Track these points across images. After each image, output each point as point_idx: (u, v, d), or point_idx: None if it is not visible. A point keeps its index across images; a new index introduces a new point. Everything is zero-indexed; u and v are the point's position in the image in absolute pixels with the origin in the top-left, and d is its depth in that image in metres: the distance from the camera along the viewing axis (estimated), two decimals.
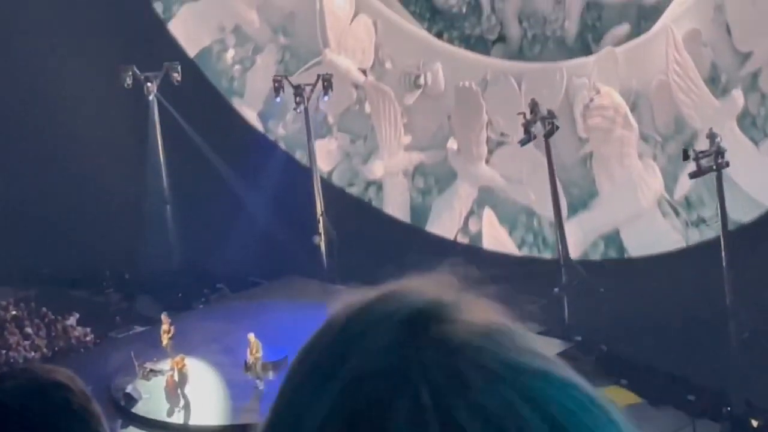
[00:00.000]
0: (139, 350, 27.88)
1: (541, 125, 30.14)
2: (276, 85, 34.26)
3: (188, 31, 40.58)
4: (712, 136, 28.13)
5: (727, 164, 27.73)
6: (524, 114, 30.62)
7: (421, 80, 38.96)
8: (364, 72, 39.51)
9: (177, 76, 34.13)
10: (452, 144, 39.63)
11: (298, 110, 33.81)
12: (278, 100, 35.28)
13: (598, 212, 36.92)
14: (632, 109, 37.86)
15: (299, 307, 28.58)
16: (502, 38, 40.63)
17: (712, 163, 27.42)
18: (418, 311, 1.70)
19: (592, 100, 36.90)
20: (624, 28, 40.76)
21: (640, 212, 35.89)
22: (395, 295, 1.74)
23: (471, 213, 38.66)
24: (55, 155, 35.45)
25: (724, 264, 28.48)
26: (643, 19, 40.91)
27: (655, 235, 34.88)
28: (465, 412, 1.60)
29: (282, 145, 40.39)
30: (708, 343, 27.17)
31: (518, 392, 1.62)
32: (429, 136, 39.90)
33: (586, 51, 40.05)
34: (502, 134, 38.62)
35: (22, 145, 35.43)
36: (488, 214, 38.00)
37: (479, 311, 1.73)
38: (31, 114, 35.80)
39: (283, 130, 41.03)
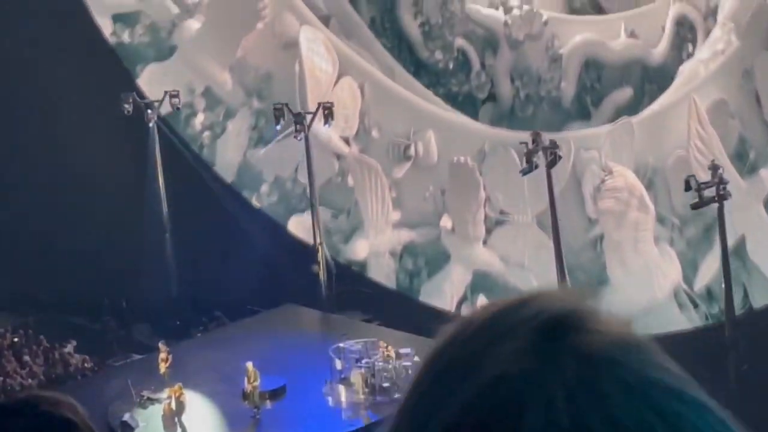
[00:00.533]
0: (137, 378, 27.76)
1: (543, 155, 28.86)
2: (276, 113, 33.47)
3: (153, 93, 37.35)
4: (714, 168, 27.46)
5: (729, 195, 26.93)
6: (526, 143, 29.49)
7: (412, 151, 36.89)
8: (347, 141, 37.45)
9: (177, 103, 34.46)
10: (446, 222, 37.15)
11: (299, 138, 33.00)
12: (278, 127, 34.45)
13: (607, 301, 33.60)
14: (647, 187, 35.19)
15: (297, 336, 29.57)
16: (492, 97, 38.84)
17: (714, 195, 26.76)
18: (557, 318, 1.70)
19: (603, 180, 33.45)
20: (626, 92, 39.36)
21: (654, 303, 33.60)
22: (535, 300, 1.75)
23: (464, 299, 35.91)
24: (54, 181, 35.69)
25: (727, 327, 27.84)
26: (647, 82, 38.84)
27: (667, 329, 31.74)
28: (599, 423, 1.60)
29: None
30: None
31: (653, 409, 1.63)
32: (420, 212, 37.39)
33: (584, 114, 38.42)
34: (501, 212, 36.55)
35: (21, 171, 35.77)
36: (483, 301, 34.59)
37: (617, 323, 1.74)
38: (29, 140, 36.00)
39: (258, 203, 38.54)
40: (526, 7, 40.12)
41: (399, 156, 37.86)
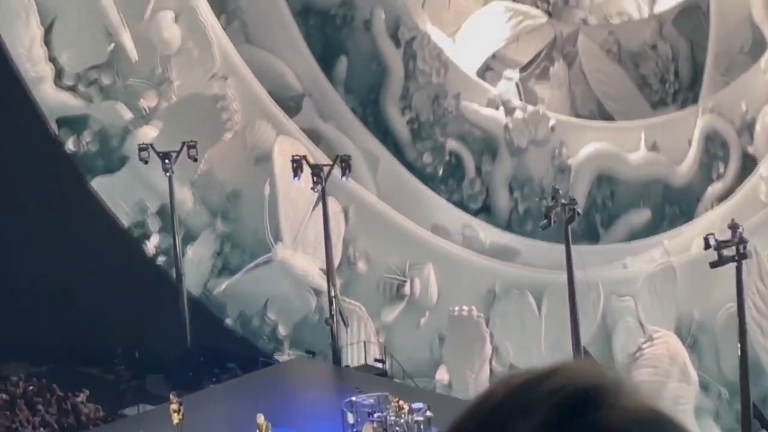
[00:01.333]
0: (149, 428, 28.08)
1: (562, 211, 28.36)
2: (294, 165, 31.86)
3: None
4: (734, 227, 26.82)
5: (750, 255, 26.45)
6: (545, 199, 28.98)
7: (407, 289, 33.45)
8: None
9: (195, 154, 33.07)
10: (442, 375, 33.39)
11: (316, 190, 31.57)
12: (296, 179, 32.25)
13: None
14: (690, 347, 31.39)
15: (309, 388, 29.83)
16: (485, 208, 36.18)
17: (734, 254, 26.29)
18: (577, 394, 1.73)
19: (641, 348, 29.21)
20: (643, 214, 34.62)
21: None
22: (556, 374, 1.76)
23: None
24: (69, 232, 35.18)
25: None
26: (669, 204, 34.73)
27: None
28: None
29: None
30: None
31: None
32: (413, 361, 33.11)
33: (592, 235, 35.30)
34: (511, 366, 33.00)
35: (36, 222, 35.30)
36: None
37: (638, 397, 1.75)
38: (43, 190, 35.62)
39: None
40: (530, 108, 35.93)
41: (391, 295, 33.23)
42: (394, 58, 37.65)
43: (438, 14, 38.75)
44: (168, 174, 32.87)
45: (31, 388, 32.04)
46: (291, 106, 36.58)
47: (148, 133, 35.14)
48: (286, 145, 34.56)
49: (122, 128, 35.46)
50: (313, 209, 33.74)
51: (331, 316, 31.66)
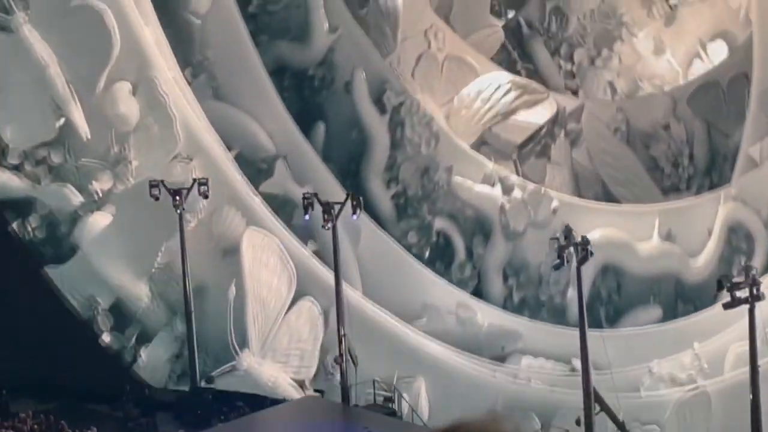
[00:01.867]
0: None
1: (574, 252, 27.82)
2: (305, 202, 31.02)
3: None
4: (747, 269, 27.00)
5: (763, 297, 26.38)
6: (558, 239, 28.02)
7: (394, 405, 30.54)
8: (302, 385, 32.00)
9: (206, 191, 32.01)
10: None
11: (327, 227, 30.73)
12: (307, 218, 31.40)
13: None
14: None
15: (317, 427, 29.45)
16: (477, 294, 33.98)
17: (747, 295, 26.28)
18: None
19: None
20: (653, 312, 32.71)
21: None
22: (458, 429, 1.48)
23: None
24: None
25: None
26: (682, 301, 31.49)
27: None
28: None
29: None
30: None
31: None
32: None
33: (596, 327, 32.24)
34: None
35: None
36: None
37: None
38: None
39: None
40: (530, 187, 32.60)
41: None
42: (378, 124, 34.38)
43: (429, 83, 35.69)
44: (179, 211, 31.22)
45: (38, 425, 31.61)
46: (263, 168, 33.13)
47: (100, 220, 32.24)
48: (257, 238, 31.66)
49: (71, 213, 32.28)
50: (287, 311, 31.21)
51: (341, 354, 30.49)
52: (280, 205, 33.67)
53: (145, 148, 32.89)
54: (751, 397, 26.84)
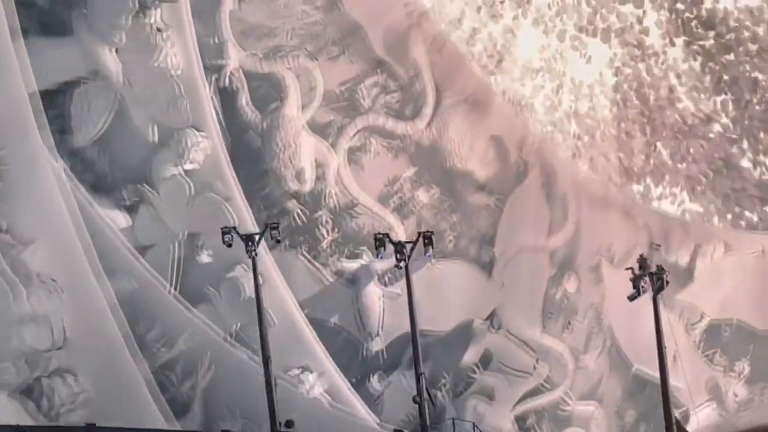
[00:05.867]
0: None
1: (650, 281, 28.26)
2: (377, 243, 31.69)
3: None
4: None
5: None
6: (632, 269, 28.52)
7: None
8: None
9: (277, 235, 32.29)
10: None
11: (400, 266, 31.51)
12: (380, 257, 32.15)
13: None
14: None
15: None
16: None
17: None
18: None
19: None
20: None
21: None
22: None
23: None
24: None
25: None
26: None
27: None
28: None
29: None
30: None
31: None
32: None
33: None
34: None
35: None
36: None
37: None
38: None
39: None
40: None
41: None
42: None
43: None
44: (251, 255, 31.29)
45: None
46: None
47: None
48: None
49: None
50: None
51: (419, 393, 30.86)
52: None
53: None
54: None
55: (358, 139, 34.27)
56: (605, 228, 35.13)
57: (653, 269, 28.33)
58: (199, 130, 32.65)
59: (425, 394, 30.82)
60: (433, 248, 31.57)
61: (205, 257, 33.08)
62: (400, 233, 34.14)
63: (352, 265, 34.60)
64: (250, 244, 30.62)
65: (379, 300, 34.72)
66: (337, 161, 34.09)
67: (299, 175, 33.90)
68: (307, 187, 33.95)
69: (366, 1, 33.71)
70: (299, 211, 34.39)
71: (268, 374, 29.98)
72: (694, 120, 36.32)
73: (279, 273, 32.93)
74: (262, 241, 30.63)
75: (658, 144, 36.02)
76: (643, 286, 28.15)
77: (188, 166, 32.78)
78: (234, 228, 31.11)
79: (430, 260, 32.75)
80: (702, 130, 36.33)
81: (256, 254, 30.68)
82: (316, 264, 34.22)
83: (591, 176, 35.34)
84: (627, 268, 28.76)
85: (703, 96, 36.27)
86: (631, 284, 28.00)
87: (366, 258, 34.54)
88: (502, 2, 35.21)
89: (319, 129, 33.94)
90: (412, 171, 34.81)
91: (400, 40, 33.97)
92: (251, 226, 32.12)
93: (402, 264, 31.02)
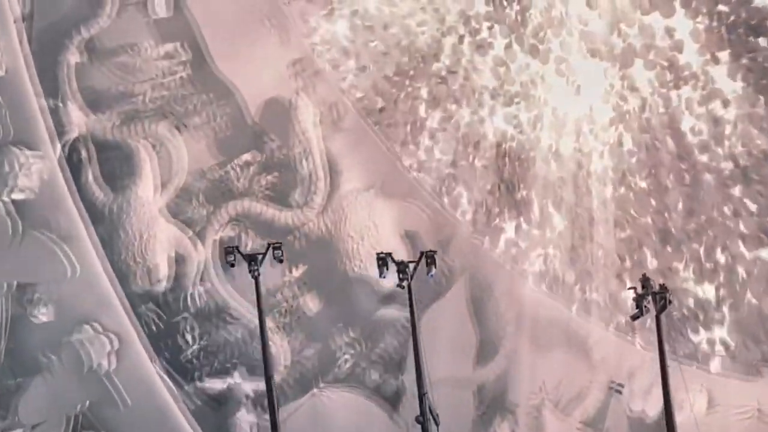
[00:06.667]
0: None
1: (653, 300, 27.65)
2: (380, 262, 29.95)
3: None
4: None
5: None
6: (635, 288, 27.70)
7: None
8: None
9: (280, 255, 30.49)
10: None
11: (402, 286, 30.04)
12: (383, 277, 30.44)
13: None
14: None
15: None
16: None
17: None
18: None
19: None
20: None
21: None
22: None
23: None
24: None
25: None
26: None
27: None
28: None
29: None
30: None
31: None
32: None
33: None
34: None
35: None
36: None
37: None
38: None
39: None
40: None
41: None
42: None
43: None
44: (254, 275, 29.83)
45: None
46: None
47: None
48: None
49: None
50: None
51: (422, 413, 29.93)
52: None
53: None
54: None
55: (231, 228, 30.98)
56: (551, 361, 31.58)
57: (656, 288, 28.25)
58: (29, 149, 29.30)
59: (428, 414, 29.57)
60: (435, 268, 29.77)
61: (41, 315, 29.07)
62: (283, 349, 31.15)
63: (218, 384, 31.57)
64: (252, 264, 29.16)
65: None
66: (203, 255, 30.97)
67: (151, 273, 30.63)
68: (162, 286, 30.59)
69: (241, 56, 30.88)
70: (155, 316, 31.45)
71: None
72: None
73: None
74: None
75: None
76: (646, 306, 28.26)
77: (15, 196, 29.14)
78: (236, 248, 29.53)
79: (432, 279, 31.09)
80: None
81: (259, 274, 29.02)
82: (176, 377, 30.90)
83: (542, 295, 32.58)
84: (629, 288, 28.68)
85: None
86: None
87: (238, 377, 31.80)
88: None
89: (180, 215, 30.47)
90: (300, 272, 31.92)
91: (284, 106, 31.05)
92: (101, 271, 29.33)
93: (404, 283, 30.01)
